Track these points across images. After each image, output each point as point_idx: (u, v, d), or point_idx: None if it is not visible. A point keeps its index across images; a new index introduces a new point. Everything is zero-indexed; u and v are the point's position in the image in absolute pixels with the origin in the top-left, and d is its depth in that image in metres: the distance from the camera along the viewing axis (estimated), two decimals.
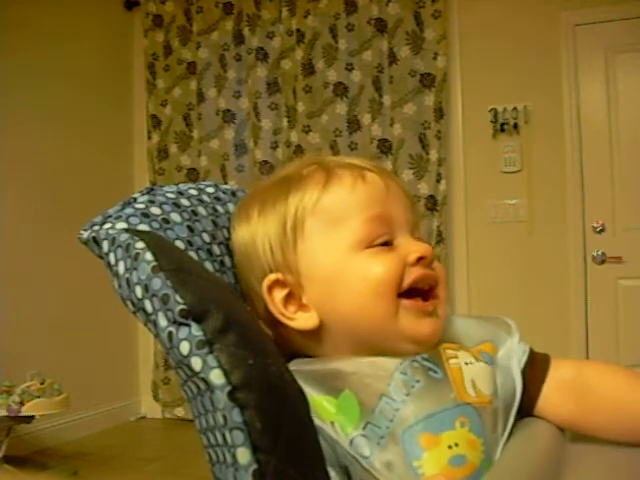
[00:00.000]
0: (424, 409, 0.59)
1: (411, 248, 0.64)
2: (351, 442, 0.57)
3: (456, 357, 0.63)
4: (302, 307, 0.65)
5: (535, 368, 0.65)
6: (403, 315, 0.62)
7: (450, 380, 0.61)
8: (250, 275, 0.68)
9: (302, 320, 0.64)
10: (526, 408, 0.64)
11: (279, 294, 0.65)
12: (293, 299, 0.65)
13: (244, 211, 0.70)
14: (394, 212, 0.66)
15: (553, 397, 0.65)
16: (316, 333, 0.64)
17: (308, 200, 0.65)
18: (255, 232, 0.67)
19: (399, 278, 0.63)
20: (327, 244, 0.64)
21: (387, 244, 0.65)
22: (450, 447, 0.57)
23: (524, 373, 0.64)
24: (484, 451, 0.58)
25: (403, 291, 0.63)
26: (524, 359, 0.65)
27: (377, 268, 0.62)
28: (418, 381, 0.60)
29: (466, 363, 0.63)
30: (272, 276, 0.65)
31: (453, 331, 0.66)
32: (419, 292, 0.64)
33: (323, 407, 0.59)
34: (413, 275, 0.63)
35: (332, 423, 0.58)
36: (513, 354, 0.65)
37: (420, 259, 0.64)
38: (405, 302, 0.63)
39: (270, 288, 0.65)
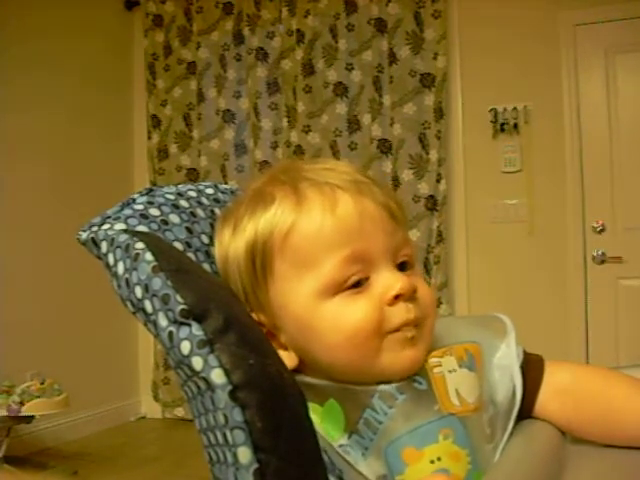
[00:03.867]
0: (408, 423, 0.58)
1: (387, 283, 0.59)
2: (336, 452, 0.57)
3: (440, 365, 0.62)
4: (281, 345, 0.62)
5: (530, 372, 0.64)
6: (383, 354, 0.59)
7: (434, 391, 0.60)
8: None
9: (282, 359, 0.61)
10: (523, 412, 0.64)
11: None
12: (272, 338, 0.62)
13: (218, 235, 0.67)
14: (370, 244, 0.60)
15: (550, 405, 0.64)
16: (297, 368, 0.62)
17: (277, 236, 0.61)
18: (225, 259, 0.65)
19: (376, 323, 0.58)
20: (296, 289, 0.60)
21: (360, 283, 0.60)
22: (432, 462, 0.57)
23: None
24: (470, 462, 0.58)
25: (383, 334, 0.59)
26: (519, 363, 0.64)
27: (350, 318, 0.59)
28: (402, 393, 0.59)
29: (449, 371, 0.61)
30: None
31: (440, 332, 0.64)
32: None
33: None
34: (394, 321, 0.59)
35: None
36: (509, 358, 0.64)
37: (398, 297, 0.59)
38: (385, 341, 0.59)
39: None
